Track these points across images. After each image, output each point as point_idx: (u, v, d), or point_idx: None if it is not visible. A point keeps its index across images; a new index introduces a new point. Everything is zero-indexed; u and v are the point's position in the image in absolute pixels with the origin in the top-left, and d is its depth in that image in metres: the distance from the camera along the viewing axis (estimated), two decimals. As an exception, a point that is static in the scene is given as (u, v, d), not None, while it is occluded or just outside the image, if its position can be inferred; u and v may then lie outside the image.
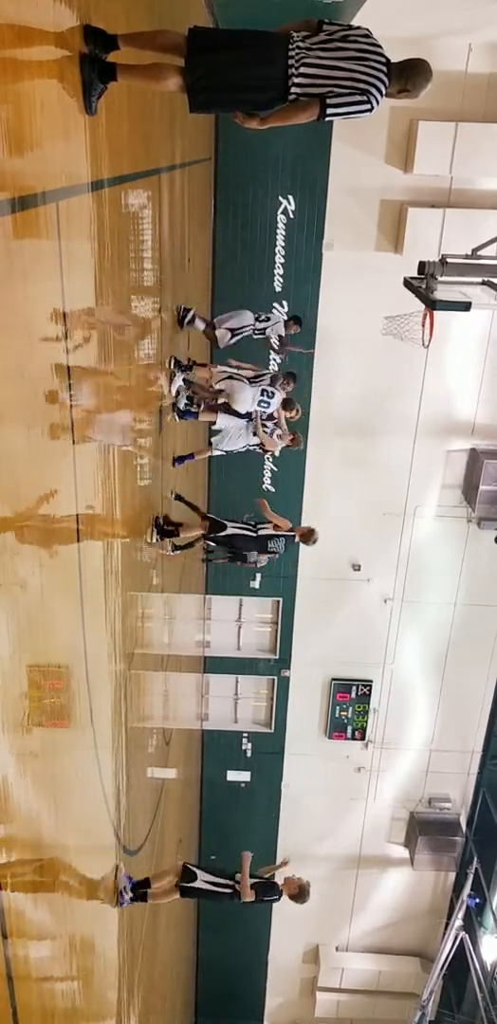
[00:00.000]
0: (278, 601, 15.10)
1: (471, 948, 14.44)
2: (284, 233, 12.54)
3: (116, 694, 5.22)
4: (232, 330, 9.37)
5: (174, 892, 6.59)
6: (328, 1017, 18.13)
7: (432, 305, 6.71)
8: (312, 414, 13.59)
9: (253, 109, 3.79)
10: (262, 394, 8.58)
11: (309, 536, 7.93)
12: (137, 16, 4.77)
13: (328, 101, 3.58)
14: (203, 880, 6.90)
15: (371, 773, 16.20)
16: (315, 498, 14.05)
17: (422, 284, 6.89)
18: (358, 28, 3.69)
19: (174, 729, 10.24)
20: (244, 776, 16.06)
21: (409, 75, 3.80)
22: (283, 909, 17.29)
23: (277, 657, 15.47)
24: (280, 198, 12.26)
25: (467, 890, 14.79)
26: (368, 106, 3.63)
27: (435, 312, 6.91)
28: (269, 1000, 18.73)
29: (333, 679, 15.55)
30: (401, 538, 14.42)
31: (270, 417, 8.77)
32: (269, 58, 3.65)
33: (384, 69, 3.65)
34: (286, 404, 8.82)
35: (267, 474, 13.88)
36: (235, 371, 8.83)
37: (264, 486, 13.85)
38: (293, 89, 3.61)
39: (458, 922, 14.38)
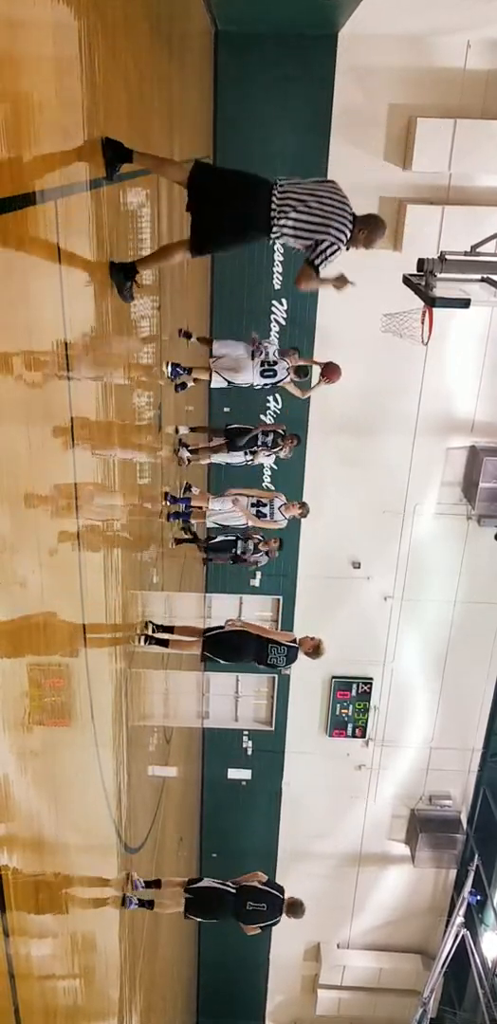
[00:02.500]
0: (278, 599, 15.09)
1: (472, 945, 14.46)
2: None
3: (117, 692, 5.22)
4: (229, 381, 9.16)
5: (180, 898, 6.89)
6: (329, 1015, 18.14)
7: (431, 302, 6.71)
8: (311, 412, 13.59)
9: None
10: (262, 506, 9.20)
11: (316, 650, 7.23)
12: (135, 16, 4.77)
13: (316, 263, 4.54)
14: (208, 880, 7.19)
15: (372, 771, 16.21)
16: (315, 496, 13.98)
17: (421, 281, 6.88)
18: (328, 180, 4.70)
19: (175, 727, 10.24)
20: (245, 774, 16.06)
21: (369, 225, 4.60)
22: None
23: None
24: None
25: (468, 887, 14.82)
26: (338, 251, 4.54)
27: (434, 309, 6.91)
28: (270, 998, 18.74)
29: (333, 677, 15.54)
30: (401, 536, 14.41)
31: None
32: (258, 212, 4.44)
33: (350, 221, 4.53)
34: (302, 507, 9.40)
35: (267, 473, 13.87)
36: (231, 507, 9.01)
37: (264, 485, 13.84)
38: (277, 227, 4.45)
39: (459, 919, 14.40)
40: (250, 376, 8.57)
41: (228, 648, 7.34)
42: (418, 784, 16.36)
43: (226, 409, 13.29)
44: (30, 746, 3.06)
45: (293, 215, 4.40)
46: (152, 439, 6.66)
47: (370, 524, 14.25)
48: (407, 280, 7.20)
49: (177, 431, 8.63)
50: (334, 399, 13.45)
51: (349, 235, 4.48)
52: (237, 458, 9.43)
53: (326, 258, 4.48)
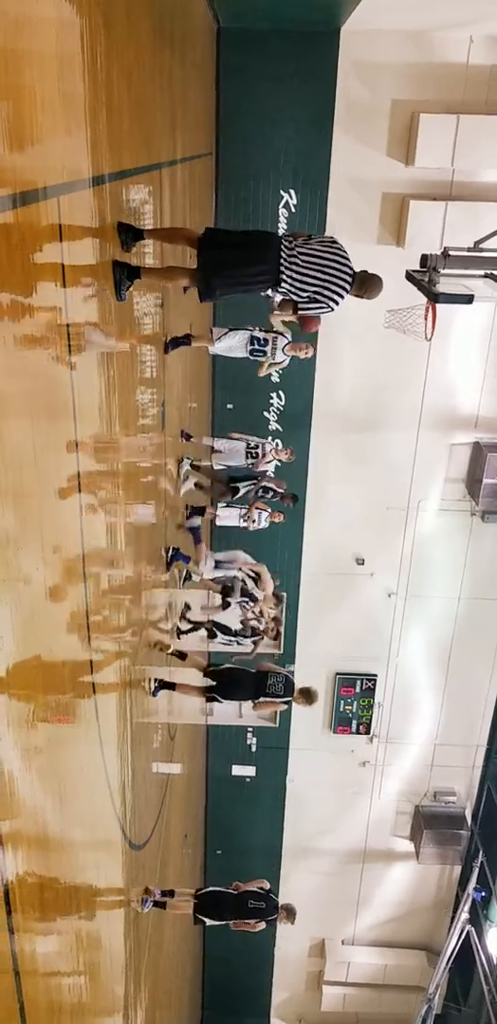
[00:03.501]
0: (282, 595, 15.08)
1: (477, 941, 14.45)
2: (286, 227, 12.51)
3: (121, 689, 5.23)
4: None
5: (189, 904, 7.69)
6: (334, 1011, 18.18)
7: (434, 298, 6.70)
8: (315, 409, 13.59)
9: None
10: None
11: (308, 698, 8.26)
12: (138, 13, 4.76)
13: (300, 309, 4.96)
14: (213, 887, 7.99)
15: (376, 767, 16.22)
16: (318, 493, 14.04)
17: (424, 277, 6.87)
18: (331, 238, 4.89)
19: (179, 724, 10.25)
20: (249, 771, 16.09)
21: (367, 285, 4.89)
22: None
23: (281, 652, 15.45)
24: (282, 192, 12.23)
25: (473, 883, 14.81)
26: (330, 311, 4.89)
27: (437, 305, 6.90)
28: (275, 994, 18.78)
29: (337, 673, 15.55)
30: (405, 532, 14.40)
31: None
32: (266, 268, 4.74)
33: (350, 280, 4.80)
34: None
35: (270, 470, 13.85)
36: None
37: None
38: (283, 285, 4.76)
39: (464, 915, 14.39)
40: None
41: (229, 687, 8.09)
42: (422, 780, 16.36)
43: (229, 406, 13.31)
44: (34, 743, 3.07)
45: (298, 280, 4.72)
46: (155, 436, 6.67)
47: (374, 520, 14.24)
48: (410, 276, 7.19)
49: (180, 462, 8.85)
50: (337, 395, 13.47)
51: (343, 297, 4.82)
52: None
53: (314, 313, 4.93)
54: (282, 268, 4.67)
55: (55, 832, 3.47)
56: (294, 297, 4.81)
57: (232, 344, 8.39)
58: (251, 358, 8.52)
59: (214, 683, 8.06)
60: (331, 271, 4.73)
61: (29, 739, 2.99)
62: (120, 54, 4.22)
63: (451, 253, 6.71)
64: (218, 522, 10.52)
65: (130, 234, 4.27)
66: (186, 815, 12.22)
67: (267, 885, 8.02)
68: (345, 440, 13.75)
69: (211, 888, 8.02)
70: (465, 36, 11.32)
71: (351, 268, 4.80)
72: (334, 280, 4.74)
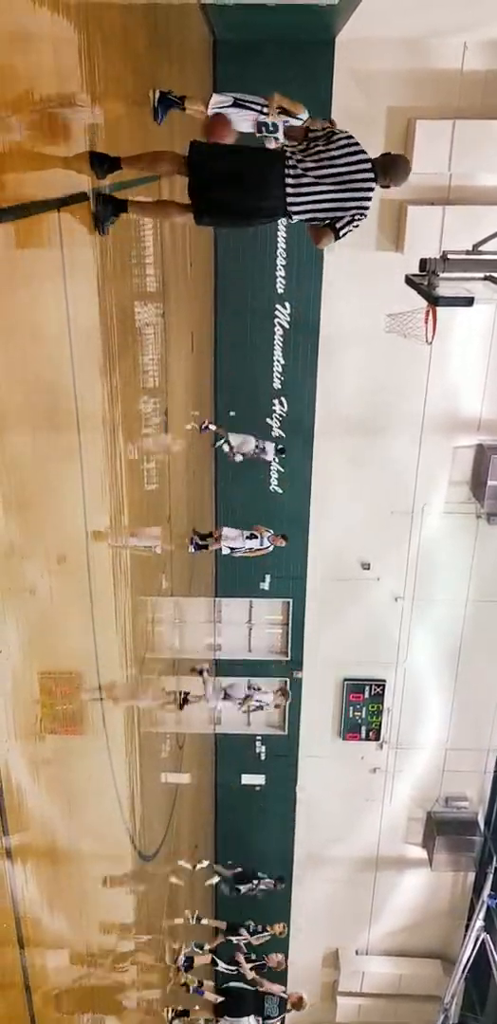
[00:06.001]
0: (288, 602, 15.07)
1: (493, 949, 14.30)
2: (285, 235, 12.56)
3: (128, 699, 5.22)
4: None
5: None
6: (350, 1022, 18.02)
7: (435, 301, 6.69)
8: (317, 414, 13.59)
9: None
10: None
11: (298, 1006, 9.96)
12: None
13: (338, 228, 4.22)
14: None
15: (386, 773, 16.13)
16: (322, 498, 14.03)
17: (424, 281, 6.87)
18: (340, 132, 4.26)
19: (187, 733, 10.23)
20: (258, 779, 16.01)
21: (390, 172, 4.27)
22: (302, 913, 17.25)
23: (288, 658, 15.43)
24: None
25: (487, 890, 14.67)
26: (367, 209, 4.25)
27: (438, 308, 6.90)
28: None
29: (345, 679, 15.49)
30: (410, 536, 14.37)
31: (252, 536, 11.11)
32: (267, 193, 4.04)
33: (371, 176, 4.16)
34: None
35: (273, 475, 13.88)
36: None
37: (271, 487, 13.85)
38: (293, 214, 4.12)
39: (479, 923, 14.25)
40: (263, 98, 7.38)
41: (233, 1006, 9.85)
42: (434, 786, 16.26)
43: (232, 413, 13.32)
44: (42, 754, 3.07)
45: (312, 204, 4.07)
46: (158, 439, 6.68)
47: (379, 525, 14.21)
48: (410, 280, 7.19)
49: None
50: (340, 400, 13.48)
51: (371, 193, 4.20)
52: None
53: (355, 224, 4.25)
54: (289, 199, 4.02)
55: (64, 842, 3.46)
56: (315, 222, 4.17)
57: (235, 118, 7.23)
58: (258, 135, 7.52)
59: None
60: (349, 175, 4.09)
61: (37, 751, 2.99)
62: (116, 67, 4.25)
63: (450, 257, 6.71)
64: (224, 542, 10.97)
65: (105, 165, 3.65)
66: (196, 825, 12.17)
67: (284, 995, 9.77)
68: (348, 445, 13.75)
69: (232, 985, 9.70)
70: (459, 42, 11.36)
71: (368, 158, 4.18)
72: (356, 184, 4.10)
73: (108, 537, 4.37)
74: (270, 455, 11.98)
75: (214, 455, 12.83)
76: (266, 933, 10.87)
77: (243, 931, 10.73)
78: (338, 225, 4.14)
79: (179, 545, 8.49)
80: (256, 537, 11.13)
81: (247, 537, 11.11)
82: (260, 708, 10.39)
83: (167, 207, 4.37)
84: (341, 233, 4.19)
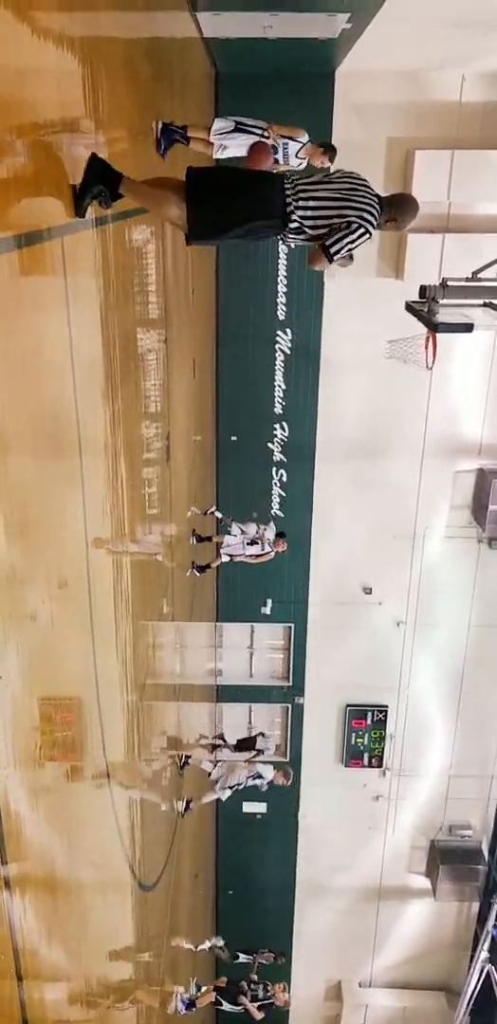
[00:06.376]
0: (289, 627, 15.03)
1: (497, 981, 14.10)
2: (286, 263, 12.68)
3: (128, 725, 5.19)
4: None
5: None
6: (353, 1056, 17.71)
7: (434, 328, 6.74)
8: (319, 438, 13.65)
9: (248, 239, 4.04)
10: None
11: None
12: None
13: (328, 246, 3.84)
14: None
15: (389, 801, 15.98)
16: (324, 522, 14.05)
17: (424, 308, 6.92)
18: (349, 171, 4.08)
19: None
20: (260, 807, 15.86)
21: (397, 209, 4.02)
22: (304, 944, 17.01)
23: (290, 684, 15.36)
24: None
25: (492, 921, 14.47)
26: (367, 234, 3.87)
27: (438, 334, 6.95)
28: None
29: (348, 705, 15.40)
30: (412, 560, 14.36)
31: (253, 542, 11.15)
32: (268, 211, 3.84)
33: (375, 200, 3.91)
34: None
35: (276, 500, 13.90)
36: None
37: (273, 511, 13.87)
38: (292, 224, 3.84)
39: (483, 954, 14.06)
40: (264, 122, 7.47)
41: None
42: (437, 814, 16.10)
43: (233, 438, 13.38)
44: (42, 782, 3.05)
45: (311, 208, 3.82)
46: (160, 465, 6.70)
47: (380, 549, 14.21)
48: (410, 307, 7.25)
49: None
50: (341, 425, 13.54)
51: (375, 214, 3.88)
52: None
53: (351, 242, 3.85)
54: (287, 200, 3.81)
55: (63, 871, 3.43)
56: (310, 230, 3.84)
57: (237, 142, 7.42)
58: None
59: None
60: (349, 191, 3.88)
61: (36, 778, 2.97)
62: (120, 99, 4.31)
63: (450, 283, 6.77)
64: (223, 550, 10.98)
65: (107, 184, 3.35)
66: (197, 854, 12.04)
67: None
68: (349, 469, 13.79)
69: None
70: (457, 74, 11.55)
71: (373, 189, 3.97)
72: (356, 198, 3.85)
73: (109, 543, 4.37)
74: (269, 543, 12.05)
75: (215, 479, 12.86)
76: (267, 996, 10.74)
77: (243, 984, 10.59)
78: (328, 243, 3.82)
79: (180, 566, 8.49)
80: (257, 543, 11.12)
81: (248, 543, 11.09)
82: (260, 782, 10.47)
83: (164, 199, 3.94)
84: (333, 252, 3.83)
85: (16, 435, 2.63)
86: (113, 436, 4.32)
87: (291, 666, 15.25)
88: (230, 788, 10.08)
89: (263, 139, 7.21)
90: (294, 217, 3.80)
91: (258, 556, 11.15)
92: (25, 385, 2.75)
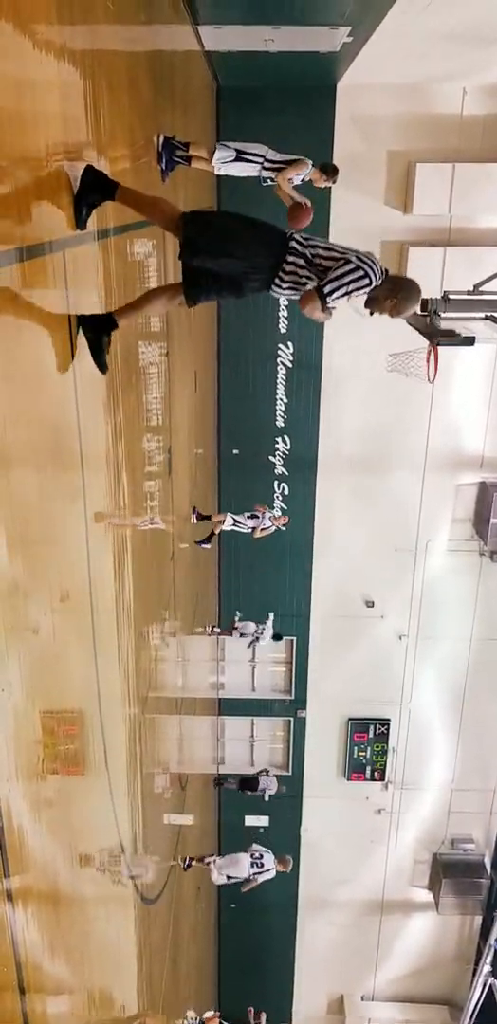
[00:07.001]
0: (292, 640, 15.00)
1: (501, 995, 14.00)
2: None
3: (130, 739, 5.18)
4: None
5: None
6: (356, 1071, 17.56)
7: (436, 341, 6.77)
8: (320, 451, 13.66)
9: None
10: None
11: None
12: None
13: (323, 286, 3.63)
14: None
15: (392, 815, 15.91)
16: (326, 535, 14.05)
17: (426, 321, 6.95)
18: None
19: (190, 774, 10.11)
20: (262, 821, 15.79)
21: (400, 290, 3.81)
22: (306, 957, 16.91)
23: (292, 697, 15.32)
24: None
25: (495, 934, 14.38)
26: (366, 279, 3.62)
27: (439, 348, 6.97)
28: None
29: (350, 719, 15.36)
30: (414, 573, 14.34)
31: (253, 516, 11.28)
32: (268, 241, 3.70)
33: (381, 268, 3.68)
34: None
35: (277, 514, 13.89)
36: None
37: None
38: (291, 247, 3.67)
39: (486, 968, 13.96)
40: (264, 150, 7.24)
41: None
42: (440, 827, 16.03)
43: (235, 451, 13.40)
44: (44, 795, 3.04)
45: (308, 247, 3.67)
46: (162, 479, 6.71)
47: (382, 562, 14.20)
48: (411, 320, 7.27)
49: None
50: (343, 438, 13.55)
51: (377, 276, 3.67)
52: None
53: (349, 282, 3.61)
54: (291, 236, 3.68)
55: (65, 885, 3.41)
56: (310, 254, 3.64)
57: (238, 172, 7.32)
58: (263, 184, 7.39)
59: None
60: (349, 248, 3.70)
61: (39, 791, 2.96)
62: (122, 113, 4.34)
63: (451, 297, 6.80)
64: (224, 527, 11.11)
65: (98, 192, 3.30)
66: (198, 868, 11.98)
67: None
68: (351, 482, 13.80)
69: None
70: (458, 87, 11.62)
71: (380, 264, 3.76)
72: (362, 252, 3.67)
73: (109, 520, 4.37)
74: (267, 638, 12.66)
75: (217, 492, 12.86)
76: None
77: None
78: (323, 283, 3.61)
79: (181, 580, 8.48)
80: (257, 517, 11.23)
81: (248, 517, 11.21)
82: (260, 873, 10.65)
83: (153, 296, 3.88)
84: (327, 292, 3.62)
85: (18, 447, 2.64)
86: (115, 449, 4.33)
87: (293, 679, 15.21)
88: (227, 876, 10.34)
89: (265, 169, 7.14)
90: (295, 242, 3.67)
91: (261, 530, 11.23)
92: (27, 397, 2.76)
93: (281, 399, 13.32)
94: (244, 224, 3.76)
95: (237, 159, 7.03)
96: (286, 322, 13.00)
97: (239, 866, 10.23)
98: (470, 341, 6.63)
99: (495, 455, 13.71)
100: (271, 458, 13.68)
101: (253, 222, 3.77)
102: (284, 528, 11.67)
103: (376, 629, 14.68)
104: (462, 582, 14.34)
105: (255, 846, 10.63)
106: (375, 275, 3.65)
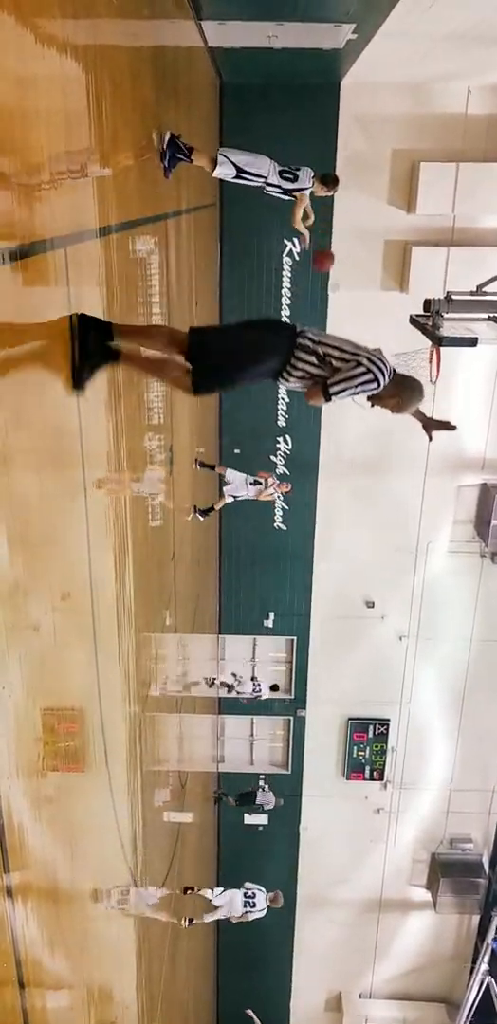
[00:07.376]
0: (292, 640, 15.01)
1: (497, 994, 14.02)
2: (290, 275, 12.70)
3: (131, 737, 5.18)
4: (239, 168, 7.89)
5: None
6: (353, 1069, 17.59)
7: (439, 341, 6.77)
8: (322, 452, 13.65)
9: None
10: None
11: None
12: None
13: (329, 384, 3.65)
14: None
15: (390, 814, 15.92)
16: (327, 536, 14.04)
17: (428, 321, 6.95)
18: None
19: (189, 772, 10.12)
20: (262, 819, 15.82)
21: (404, 388, 3.82)
22: (304, 955, 16.93)
23: (292, 697, 15.33)
24: (285, 240, 12.44)
25: (492, 933, 14.42)
26: (374, 383, 3.63)
27: (442, 348, 6.97)
28: (292, 1052, 18.22)
29: (350, 718, 15.37)
30: (414, 574, 14.34)
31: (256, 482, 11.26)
32: (277, 331, 3.80)
33: (389, 367, 3.68)
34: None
35: (278, 513, 13.90)
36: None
37: (275, 524, 13.87)
38: (300, 343, 3.70)
39: (483, 967, 13.99)
40: (266, 169, 7.14)
41: None
42: (438, 827, 16.04)
43: (237, 451, 13.38)
44: (44, 792, 3.04)
45: (316, 339, 3.72)
46: (163, 478, 6.71)
47: (383, 563, 14.20)
48: (414, 320, 7.27)
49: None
50: (344, 439, 13.54)
51: (385, 378, 3.67)
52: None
53: (356, 385, 3.65)
54: (301, 331, 3.75)
55: (65, 882, 3.42)
56: (317, 347, 3.68)
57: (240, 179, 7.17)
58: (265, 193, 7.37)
59: None
60: (359, 348, 3.74)
61: (39, 788, 2.96)
62: (125, 110, 4.34)
63: (454, 297, 6.80)
64: (226, 489, 11.18)
65: (96, 332, 3.31)
66: (198, 866, 11.99)
67: None
68: (352, 483, 13.78)
69: None
70: (463, 87, 11.59)
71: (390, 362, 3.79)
72: (372, 351, 3.70)
73: (112, 552, 4.37)
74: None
75: (218, 490, 12.85)
76: None
77: None
78: (331, 381, 3.64)
79: (182, 579, 8.48)
80: (260, 483, 11.22)
81: (251, 483, 11.19)
82: (251, 912, 10.70)
83: (166, 365, 3.81)
84: (333, 392, 3.66)
85: (19, 447, 2.64)
86: (116, 448, 4.33)
87: (293, 679, 15.22)
88: (220, 911, 10.35)
89: (268, 186, 7.14)
90: (306, 339, 3.69)
91: (263, 495, 11.25)
92: (28, 397, 2.76)
93: (283, 398, 13.31)
94: (249, 341, 3.79)
95: (237, 177, 6.99)
96: (288, 321, 12.98)
97: (233, 904, 10.31)
98: (473, 342, 6.63)
99: (497, 456, 13.70)
100: (272, 458, 13.68)
101: (258, 329, 3.83)
102: (286, 494, 11.84)
103: (376, 629, 14.68)
104: (463, 583, 14.34)
105: (248, 884, 10.69)
106: (383, 378, 3.66)
